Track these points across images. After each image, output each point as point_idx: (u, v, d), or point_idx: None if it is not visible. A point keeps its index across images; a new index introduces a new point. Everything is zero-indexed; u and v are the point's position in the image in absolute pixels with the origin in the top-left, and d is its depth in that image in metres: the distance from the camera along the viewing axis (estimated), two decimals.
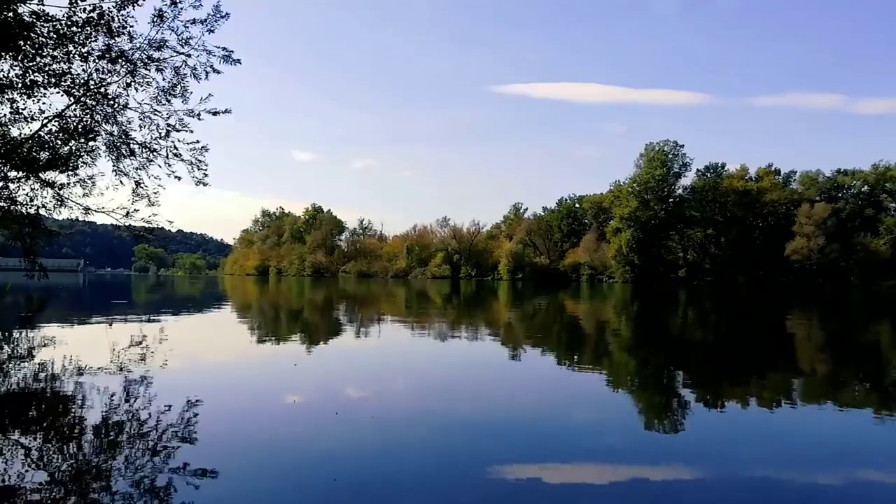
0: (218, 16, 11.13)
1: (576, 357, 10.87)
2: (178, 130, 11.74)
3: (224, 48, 11.49)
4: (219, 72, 11.58)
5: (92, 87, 11.06)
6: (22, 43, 9.99)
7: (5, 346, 10.66)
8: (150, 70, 11.26)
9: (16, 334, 12.64)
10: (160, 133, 11.71)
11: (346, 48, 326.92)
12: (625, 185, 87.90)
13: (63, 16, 10.23)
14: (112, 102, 11.40)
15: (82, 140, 11.53)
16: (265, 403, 6.55)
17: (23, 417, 5.64)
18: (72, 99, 11.10)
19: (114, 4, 10.44)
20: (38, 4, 10.04)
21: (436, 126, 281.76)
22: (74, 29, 10.35)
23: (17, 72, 10.39)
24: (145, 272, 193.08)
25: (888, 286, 65.70)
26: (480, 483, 4.14)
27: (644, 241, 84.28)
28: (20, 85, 10.46)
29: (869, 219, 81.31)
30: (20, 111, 10.86)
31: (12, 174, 11.40)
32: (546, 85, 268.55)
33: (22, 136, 11.18)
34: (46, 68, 10.53)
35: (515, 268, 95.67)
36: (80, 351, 9.79)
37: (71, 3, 10.16)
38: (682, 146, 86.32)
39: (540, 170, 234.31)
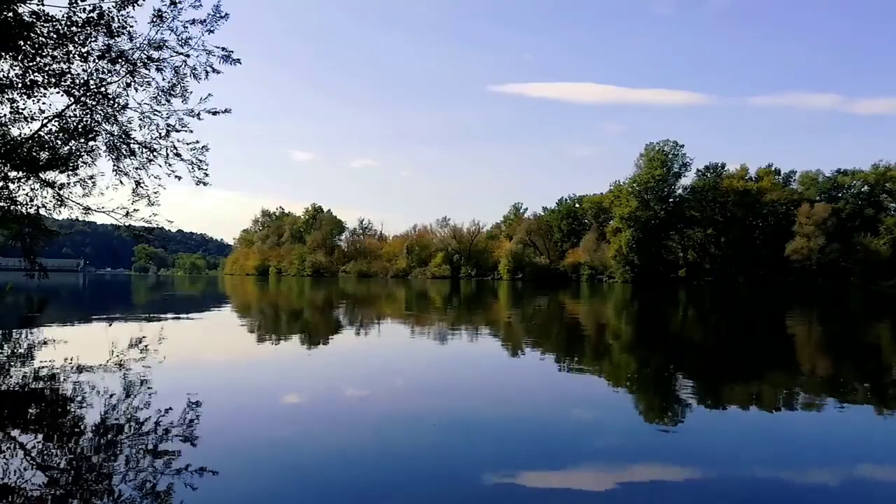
0: (217, 16, 11.11)
1: (575, 357, 10.87)
2: (178, 130, 11.73)
3: (224, 48, 11.48)
4: (218, 72, 11.57)
5: (92, 87, 11.05)
6: (22, 43, 9.98)
7: (6, 346, 10.66)
8: (149, 70, 11.25)
9: (16, 334, 12.65)
10: (160, 133, 11.70)
11: (346, 48, 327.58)
12: (625, 185, 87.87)
13: (63, 16, 10.23)
14: (112, 102, 11.38)
15: (82, 140, 11.51)
16: (265, 403, 6.55)
17: (23, 417, 5.64)
18: (72, 99, 11.09)
19: (114, 4, 10.43)
20: (38, 4, 10.03)
21: (435, 126, 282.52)
22: (74, 29, 10.33)
23: (17, 72, 10.38)
24: (145, 272, 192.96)
25: (888, 286, 65.67)
26: (480, 484, 4.14)
27: (644, 241, 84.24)
28: (20, 85, 10.45)
29: (869, 219, 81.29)
30: (20, 111, 10.85)
31: (12, 174, 11.39)
32: (543, 85, 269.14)
33: (22, 136, 11.17)
34: (46, 68, 10.51)
35: (515, 268, 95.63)
36: (80, 350, 9.79)
37: (71, 3, 10.15)
38: (682, 146, 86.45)
39: (540, 170, 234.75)
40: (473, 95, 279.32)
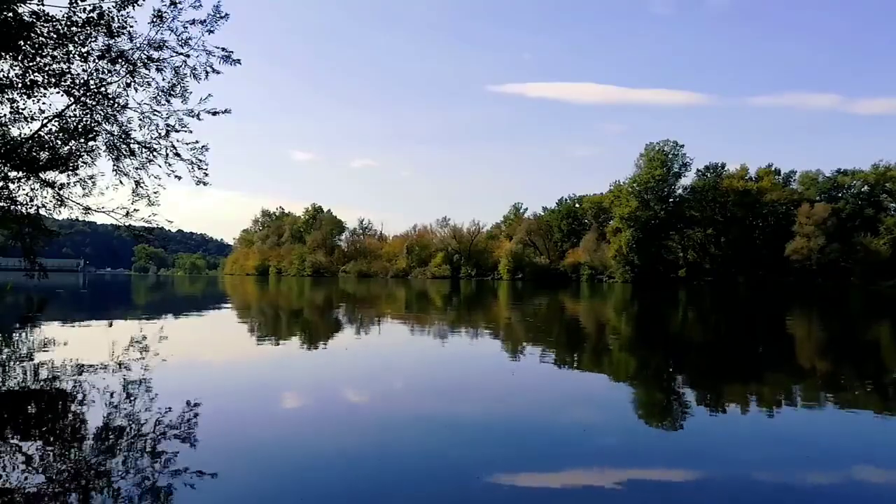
0: (217, 16, 11.11)
1: (575, 357, 10.87)
2: (177, 130, 11.71)
3: (223, 48, 11.46)
4: (218, 72, 11.56)
5: (92, 87, 11.05)
6: (22, 43, 9.97)
7: (5, 347, 10.66)
8: (149, 70, 11.24)
9: (16, 334, 12.65)
10: (160, 133, 11.69)
11: (346, 48, 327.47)
12: (625, 185, 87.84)
13: (63, 16, 10.22)
14: (112, 102, 11.37)
15: (82, 140, 11.51)
16: (265, 404, 6.55)
17: (23, 418, 5.63)
18: (72, 99, 11.08)
19: (114, 4, 10.42)
20: (38, 4, 10.02)
21: (435, 126, 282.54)
22: (74, 29, 10.33)
23: (17, 72, 10.37)
24: (145, 272, 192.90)
25: (888, 286, 65.68)
26: (479, 485, 4.14)
27: (644, 241, 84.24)
28: (20, 85, 10.44)
29: (869, 219, 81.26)
30: (20, 111, 10.84)
31: (12, 174, 11.38)
32: (543, 85, 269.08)
33: (22, 136, 11.16)
34: (46, 68, 10.51)
35: (515, 268, 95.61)
36: (80, 351, 9.79)
37: (71, 3, 10.15)
38: (682, 146, 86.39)
39: (540, 170, 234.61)
40: (473, 95, 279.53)
